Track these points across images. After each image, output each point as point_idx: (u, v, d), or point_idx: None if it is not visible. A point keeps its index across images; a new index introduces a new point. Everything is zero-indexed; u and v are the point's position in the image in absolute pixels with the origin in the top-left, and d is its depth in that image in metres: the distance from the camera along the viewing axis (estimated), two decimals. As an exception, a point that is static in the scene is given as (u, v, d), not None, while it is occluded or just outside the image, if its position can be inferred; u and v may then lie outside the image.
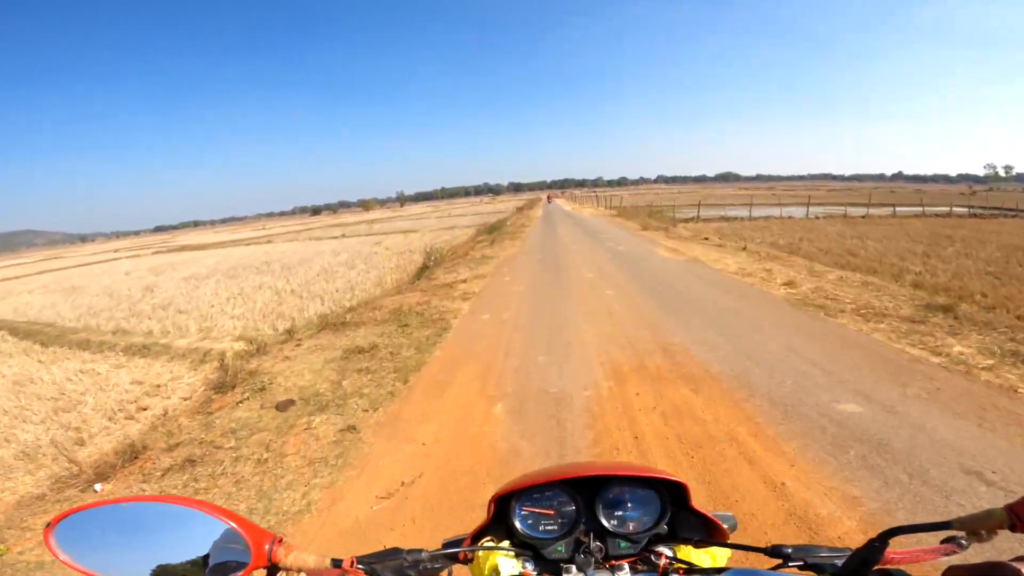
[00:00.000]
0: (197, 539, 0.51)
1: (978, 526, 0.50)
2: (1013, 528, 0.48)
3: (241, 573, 0.51)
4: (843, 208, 25.71)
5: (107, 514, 0.52)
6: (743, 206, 29.00)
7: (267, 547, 0.53)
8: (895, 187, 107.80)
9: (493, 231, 20.13)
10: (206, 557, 0.52)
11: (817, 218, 22.46)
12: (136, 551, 0.51)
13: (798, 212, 25.35)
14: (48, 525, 0.50)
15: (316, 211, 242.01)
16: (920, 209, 24.12)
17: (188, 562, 0.51)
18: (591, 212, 30.35)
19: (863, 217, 22.08)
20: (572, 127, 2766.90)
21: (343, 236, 31.24)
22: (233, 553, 0.52)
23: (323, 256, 19.05)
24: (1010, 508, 0.48)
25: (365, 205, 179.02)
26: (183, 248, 43.86)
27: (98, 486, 3.18)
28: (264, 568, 0.53)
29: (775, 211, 26.47)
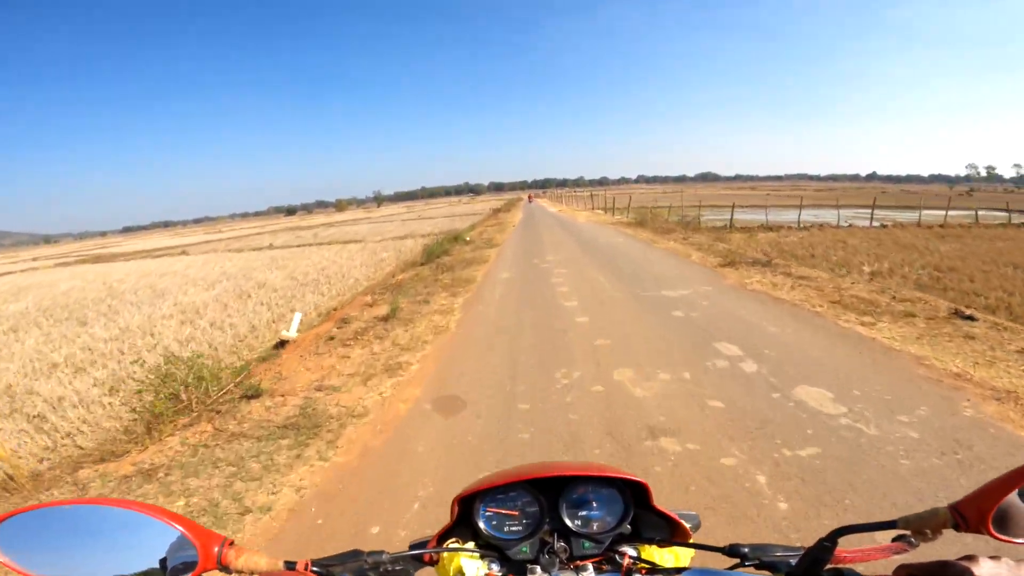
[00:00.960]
0: (147, 543, 0.50)
1: (923, 525, 0.50)
2: (957, 527, 0.48)
3: (190, 575, 0.50)
4: (913, 213, 20.25)
5: (54, 516, 0.49)
6: (763, 208, 23.76)
7: (216, 549, 0.51)
8: (883, 188, 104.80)
9: (433, 257, 11.68)
10: (162, 561, 0.50)
11: (885, 226, 17.05)
12: (84, 555, 0.49)
13: (829, 216, 20.10)
14: None
15: (291, 211, 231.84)
16: (1005, 216, 18.92)
17: (140, 569, 0.50)
18: (588, 217, 21.38)
19: (941, 226, 16.76)
20: (552, 128, 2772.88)
21: (270, 247, 24.85)
22: (184, 557, 0.50)
23: (195, 286, 12.90)
24: (953, 508, 0.48)
25: (339, 206, 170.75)
26: (96, 259, 36.72)
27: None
28: (215, 570, 0.52)
29: (808, 215, 21.17)
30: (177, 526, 0.49)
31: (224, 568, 0.52)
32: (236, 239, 39.98)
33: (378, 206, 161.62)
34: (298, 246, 23.14)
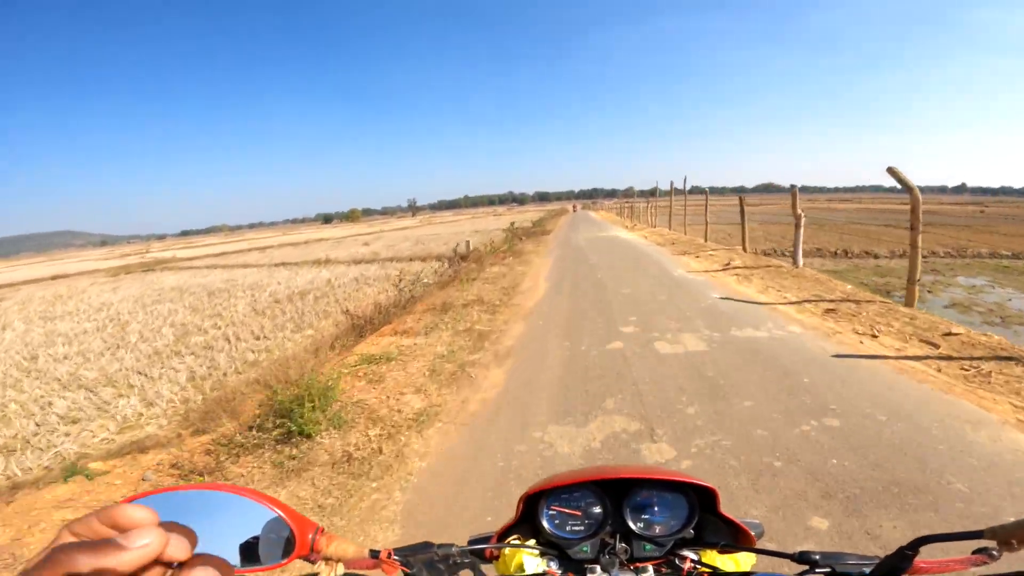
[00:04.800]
0: (246, 526, 0.53)
1: (1009, 535, 0.49)
2: None
3: (286, 560, 0.53)
4: None
5: (159, 502, 0.52)
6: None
7: (311, 536, 0.55)
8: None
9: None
10: (254, 544, 0.53)
11: None
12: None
13: None
14: None
15: (327, 219, 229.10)
16: None
17: (238, 547, 0.53)
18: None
19: None
20: (600, 138, 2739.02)
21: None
22: (279, 539, 0.54)
23: None
24: None
25: (351, 216, 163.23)
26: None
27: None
28: (305, 556, 0.55)
29: None
30: (276, 510, 0.53)
31: (315, 553, 0.55)
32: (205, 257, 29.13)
33: (413, 215, 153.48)
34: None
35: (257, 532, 0.52)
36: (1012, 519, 0.49)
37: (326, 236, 47.20)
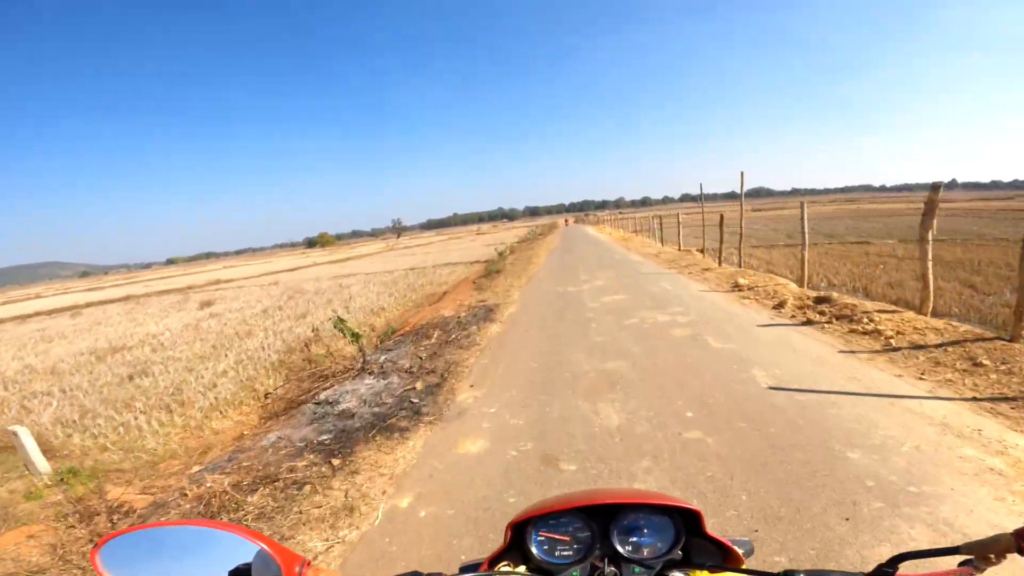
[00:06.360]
0: (233, 561, 0.53)
1: (986, 551, 0.51)
2: (1021, 552, 0.49)
3: None
4: None
5: (149, 537, 0.54)
6: None
7: (297, 569, 0.54)
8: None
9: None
10: (245, 572, 0.53)
11: None
12: (175, 573, 0.54)
13: None
14: (95, 546, 0.52)
15: (311, 244, 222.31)
16: None
17: None
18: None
19: None
20: (589, 150, 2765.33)
21: None
22: (270, 572, 0.53)
23: None
24: (1018, 533, 0.49)
25: (322, 239, 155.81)
26: None
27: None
28: None
29: None
30: (261, 544, 0.53)
31: None
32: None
33: (398, 237, 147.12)
34: None
35: (240, 566, 0.52)
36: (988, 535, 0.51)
37: (224, 277, 37.99)
